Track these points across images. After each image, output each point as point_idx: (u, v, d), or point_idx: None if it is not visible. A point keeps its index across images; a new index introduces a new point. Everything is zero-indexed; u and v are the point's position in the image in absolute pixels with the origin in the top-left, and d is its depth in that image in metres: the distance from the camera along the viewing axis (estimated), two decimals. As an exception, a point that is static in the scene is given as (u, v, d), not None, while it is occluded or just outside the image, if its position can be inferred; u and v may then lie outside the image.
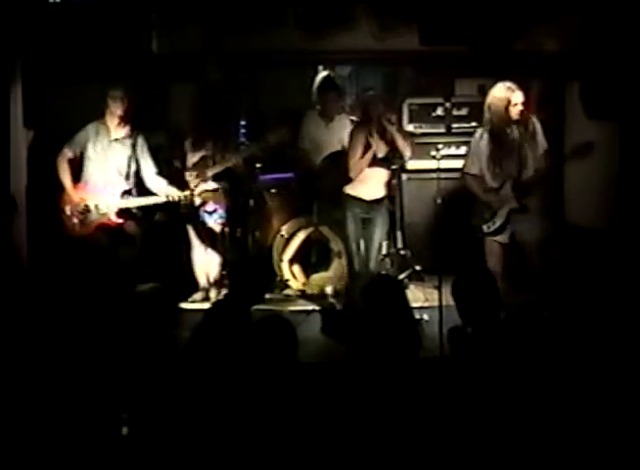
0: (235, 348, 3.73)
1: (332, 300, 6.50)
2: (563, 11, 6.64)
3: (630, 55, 5.95)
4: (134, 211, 6.25)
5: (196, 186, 6.39)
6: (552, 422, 3.50)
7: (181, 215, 6.51)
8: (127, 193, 6.27)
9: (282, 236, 6.75)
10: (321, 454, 3.27)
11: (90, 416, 3.73)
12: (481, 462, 3.35)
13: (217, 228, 6.52)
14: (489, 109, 5.73)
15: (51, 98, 6.86)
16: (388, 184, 6.27)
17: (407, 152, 6.14)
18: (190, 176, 6.42)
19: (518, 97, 5.61)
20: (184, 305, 6.17)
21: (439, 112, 7.37)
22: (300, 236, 6.76)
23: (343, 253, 6.56)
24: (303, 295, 6.69)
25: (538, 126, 5.77)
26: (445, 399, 3.45)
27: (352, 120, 6.87)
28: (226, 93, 6.67)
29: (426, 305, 6.17)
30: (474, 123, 6.64)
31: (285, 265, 6.72)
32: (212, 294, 6.52)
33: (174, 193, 6.22)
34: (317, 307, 6.38)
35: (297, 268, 6.79)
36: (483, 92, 6.09)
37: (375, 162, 6.07)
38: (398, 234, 6.84)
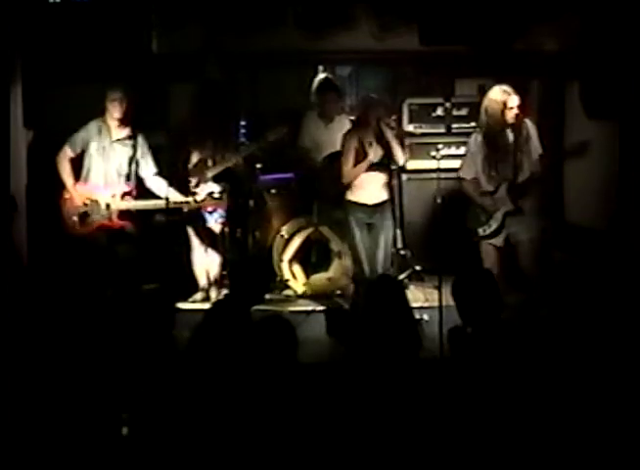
0: (235, 348, 3.73)
1: (339, 300, 6.50)
2: (563, 11, 6.64)
3: (630, 55, 5.94)
4: (135, 211, 6.25)
5: (196, 187, 6.39)
6: (552, 422, 3.50)
7: (181, 216, 6.51)
8: (128, 194, 6.26)
9: (282, 236, 6.74)
10: (321, 455, 3.27)
11: (90, 416, 3.73)
12: (482, 462, 3.35)
13: (217, 228, 6.51)
14: (485, 112, 5.75)
15: (51, 98, 6.86)
16: (389, 186, 6.27)
17: (401, 159, 6.18)
18: (191, 177, 6.41)
19: (514, 101, 5.62)
20: (184, 306, 6.19)
21: (439, 112, 7.38)
22: (300, 236, 6.75)
23: (344, 253, 6.56)
24: (309, 296, 6.68)
25: (533, 130, 5.78)
26: (445, 400, 3.45)
27: (352, 121, 6.88)
28: (226, 93, 6.67)
29: (426, 305, 6.16)
30: (473, 124, 6.63)
31: (285, 266, 6.72)
32: (212, 294, 6.52)
33: (176, 196, 6.21)
34: (318, 308, 6.38)
35: (297, 268, 6.78)
36: (483, 92, 6.09)
37: (370, 167, 6.08)
38: (398, 234, 6.83)
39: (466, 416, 3.43)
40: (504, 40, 6.71)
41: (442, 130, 7.35)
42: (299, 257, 6.79)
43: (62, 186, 6.24)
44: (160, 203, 6.14)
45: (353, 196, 6.16)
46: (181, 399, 3.62)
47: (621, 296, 5.46)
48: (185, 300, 6.40)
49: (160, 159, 6.50)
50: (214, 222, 6.50)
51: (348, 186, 6.15)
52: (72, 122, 6.35)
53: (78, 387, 3.99)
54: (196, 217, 6.49)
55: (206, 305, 5.89)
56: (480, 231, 5.78)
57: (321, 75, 7.51)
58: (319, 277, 6.76)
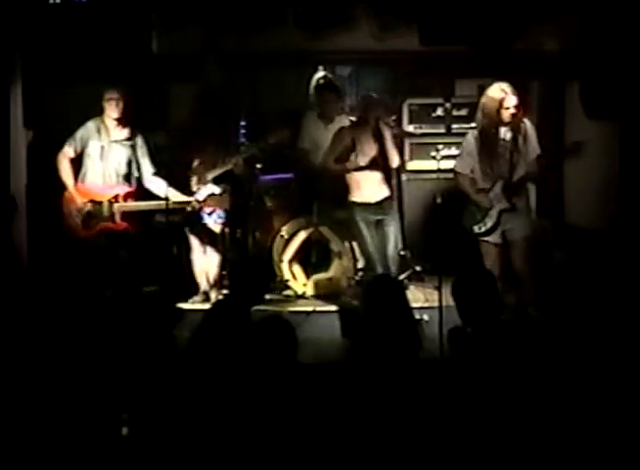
0: (235, 348, 3.73)
1: (348, 299, 6.50)
2: (563, 11, 6.64)
3: (630, 55, 5.94)
4: (137, 213, 6.24)
5: (197, 189, 6.39)
6: (552, 422, 3.50)
7: (181, 216, 6.51)
8: (130, 195, 6.26)
9: (282, 236, 6.74)
10: (321, 455, 3.27)
11: (90, 416, 3.72)
12: (482, 462, 3.35)
13: (217, 229, 6.51)
14: (482, 109, 5.75)
15: (51, 98, 6.86)
16: (388, 182, 6.28)
17: (394, 162, 6.22)
18: (191, 179, 6.41)
19: (511, 100, 5.60)
20: (184, 306, 6.18)
21: (439, 112, 7.38)
22: (300, 236, 6.75)
23: (344, 253, 6.57)
24: (309, 296, 6.67)
25: (532, 131, 5.76)
26: (445, 400, 3.44)
27: (352, 121, 6.87)
28: (226, 93, 6.67)
29: (426, 305, 6.16)
30: (473, 124, 6.63)
31: (285, 266, 6.72)
32: (212, 294, 6.52)
33: (177, 196, 6.21)
34: (318, 308, 6.38)
35: (297, 269, 6.78)
36: (483, 92, 6.08)
37: (364, 166, 6.10)
38: (398, 238, 6.82)
39: (466, 417, 3.42)
40: (504, 40, 6.71)
41: (442, 131, 7.36)
42: (299, 257, 6.79)
43: (62, 187, 6.24)
44: (164, 203, 6.12)
45: (356, 197, 6.20)
46: (181, 400, 3.62)
47: (622, 296, 5.46)
48: (185, 300, 6.39)
49: (161, 159, 6.50)
50: (213, 223, 6.50)
51: (349, 187, 6.17)
52: (72, 122, 6.35)
53: (79, 387, 3.99)
54: (195, 218, 6.49)
55: (206, 306, 5.89)
56: (476, 229, 5.79)
57: (319, 74, 7.50)
58: (319, 277, 6.77)
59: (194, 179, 6.42)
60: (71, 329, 5.20)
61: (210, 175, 6.42)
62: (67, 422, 3.78)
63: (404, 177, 7.30)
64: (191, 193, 6.37)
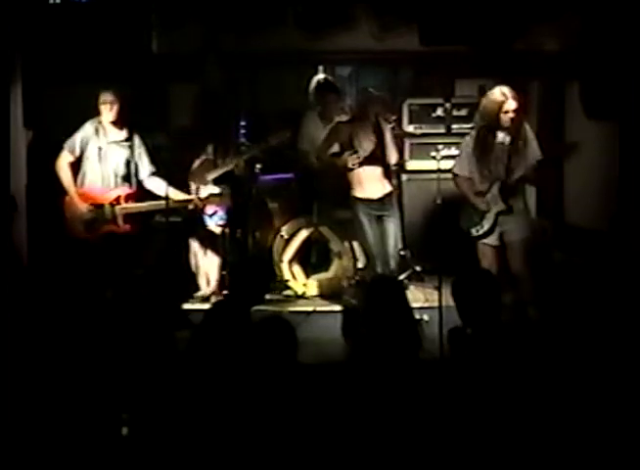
0: (235, 348, 3.73)
1: (348, 299, 6.50)
2: (563, 11, 6.64)
3: (630, 55, 5.94)
4: (138, 214, 6.23)
5: (197, 189, 6.39)
6: (552, 422, 3.50)
7: (182, 217, 6.51)
8: (131, 196, 6.25)
9: (282, 237, 6.74)
10: (321, 456, 3.27)
11: (90, 416, 3.72)
12: (482, 463, 3.35)
13: (218, 230, 6.51)
14: (482, 110, 5.75)
15: (51, 98, 6.85)
16: (389, 178, 6.29)
17: (392, 158, 6.22)
18: (191, 180, 6.41)
19: (511, 105, 5.59)
20: (184, 306, 6.18)
21: (439, 112, 7.38)
22: (300, 236, 6.75)
23: (344, 253, 6.57)
24: (309, 296, 6.67)
25: (532, 135, 5.75)
26: (445, 400, 3.44)
27: (350, 117, 6.85)
28: (226, 93, 6.67)
29: (426, 305, 6.16)
30: (474, 124, 6.63)
31: (285, 266, 6.71)
32: (212, 295, 6.52)
33: (178, 195, 6.20)
34: (318, 308, 6.38)
35: (297, 269, 6.78)
36: (484, 93, 6.08)
37: (363, 162, 6.10)
38: (398, 234, 6.82)
39: (466, 417, 3.42)
40: (504, 40, 6.71)
41: (442, 131, 7.35)
42: (299, 257, 6.79)
43: (62, 189, 6.22)
44: (165, 203, 6.09)
45: (358, 193, 6.21)
46: (181, 400, 3.62)
47: (622, 296, 5.46)
48: (185, 300, 6.39)
49: (161, 159, 6.49)
50: (214, 225, 6.50)
51: (351, 183, 6.19)
52: (72, 123, 6.34)
53: (79, 387, 3.99)
54: (196, 220, 6.49)
55: (206, 306, 5.89)
56: (473, 231, 5.79)
57: (319, 76, 7.50)
58: (319, 277, 6.77)
59: (194, 180, 6.41)
60: (71, 329, 5.21)
61: (211, 176, 6.41)
62: (67, 422, 3.78)
63: (404, 177, 7.31)
64: (191, 194, 6.37)
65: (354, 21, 6.97)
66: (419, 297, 6.45)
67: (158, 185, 6.26)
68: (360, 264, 6.64)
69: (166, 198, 6.06)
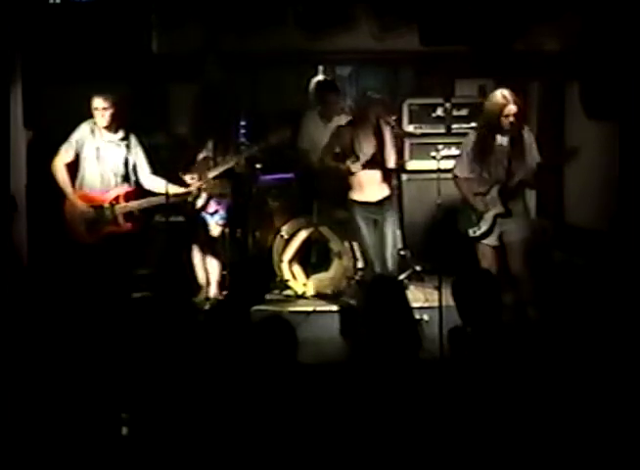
0: (235, 348, 3.73)
1: (348, 299, 6.50)
2: (563, 11, 6.64)
3: (630, 55, 5.95)
4: (136, 213, 6.23)
5: (197, 188, 6.38)
6: (552, 422, 3.50)
7: (182, 216, 6.50)
8: (129, 195, 6.24)
9: (282, 236, 6.74)
10: (321, 456, 3.27)
11: (90, 416, 3.73)
12: (482, 462, 3.35)
13: (218, 230, 6.51)
14: (484, 113, 5.77)
15: (51, 98, 6.85)
16: (388, 182, 6.28)
17: (391, 162, 6.21)
18: (191, 179, 6.41)
19: (511, 109, 5.60)
20: (185, 306, 6.18)
21: (439, 112, 7.37)
22: (300, 236, 6.75)
23: (344, 253, 6.57)
24: (309, 296, 6.68)
25: (531, 139, 5.76)
26: (445, 400, 3.44)
27: (351, 120, 6.86)
28: (226, 93, 6.67)
29: (426, 305, 6.17)
30: (474, 124, 6.63)
31: (285, 266, 6.71)
32: (213, 294, 6.52)
33: (178, 191, 6.20)
34: (318, 308, 6.38)
35: (297, 269, 6.78)
36: (484, 93, 6.10)
37: (364, 166, 6.11)
38: (398, 234, 6.83)
39: (466, 417, 3.42)
40: (504, 40, 6.71)
41: (442, 131, 7.35)
42: (299, 257, 6.79)
43: (62, 193, 6.21)
44: (164, 198, 6.07)
45: (357, 195, 6.20)
46: (181, 400, 3.62)
47: (622, 296, 5.46)
48: (186, 300, 6.38)
49: (160, 159, 6.49)
50: (215, 224, 6.50)
51: (350, 186, 6.19)
52: (72, 123, 6.33)
53: (79, 387, 3.99)
54: (196, 219, 6.49)
55: (207, 306, 5.89)
56: (471, 232, 5.80)
57: (319, 77, 7.51)
58: (319, 277, 6.77)
59: (194, 178, 6.41)
60: (71, 329, 5.21)
61: (211, 175, 6.41)
62: (67, 422, 3.78)
63: (404, 177, 7.31)
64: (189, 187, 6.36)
65: (354, 21, 6.96)
66: (419, 297, 6.45)
67: (157, 184, 6.24)
68: (360, 264, 6.64)
69: (166, 194, 6.06)
